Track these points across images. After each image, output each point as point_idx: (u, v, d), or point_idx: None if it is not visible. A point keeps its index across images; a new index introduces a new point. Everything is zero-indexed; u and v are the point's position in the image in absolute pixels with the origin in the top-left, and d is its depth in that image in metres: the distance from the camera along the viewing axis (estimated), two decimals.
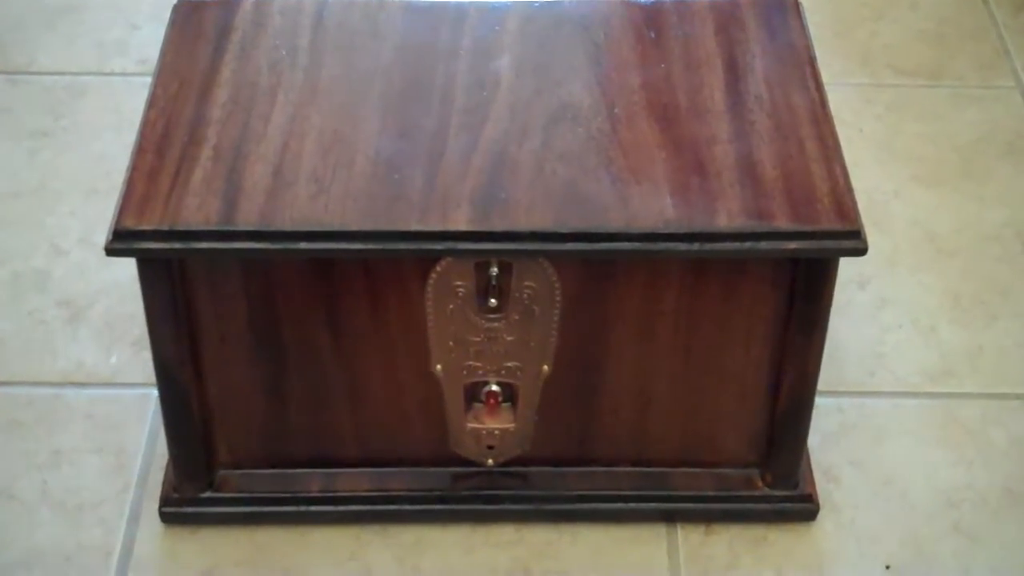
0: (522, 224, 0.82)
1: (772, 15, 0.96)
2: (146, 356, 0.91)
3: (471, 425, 0.92)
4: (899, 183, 1.22)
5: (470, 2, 0.97)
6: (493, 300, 0.86)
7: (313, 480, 0.95)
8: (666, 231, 0.82)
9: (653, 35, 0.95)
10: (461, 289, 0.85)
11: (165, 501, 0.96)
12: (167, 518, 0.96)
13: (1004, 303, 1.13)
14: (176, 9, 0.96)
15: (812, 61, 0.93)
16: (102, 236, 0.83)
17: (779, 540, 0.96)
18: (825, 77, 0.93)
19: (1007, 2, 1.41)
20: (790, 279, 0.86)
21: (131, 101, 1.25)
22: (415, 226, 0.82)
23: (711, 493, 0.96)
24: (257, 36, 0.93)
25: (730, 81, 0.91)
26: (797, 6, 0.97)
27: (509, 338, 0.88)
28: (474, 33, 0.94)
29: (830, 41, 1.35)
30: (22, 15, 1.38)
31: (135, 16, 1.38)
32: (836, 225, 0.82)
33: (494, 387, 0.91)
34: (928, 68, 1.34)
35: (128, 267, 0.85)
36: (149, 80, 0.91)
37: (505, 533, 0.96)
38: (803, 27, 0.95)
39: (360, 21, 0.95)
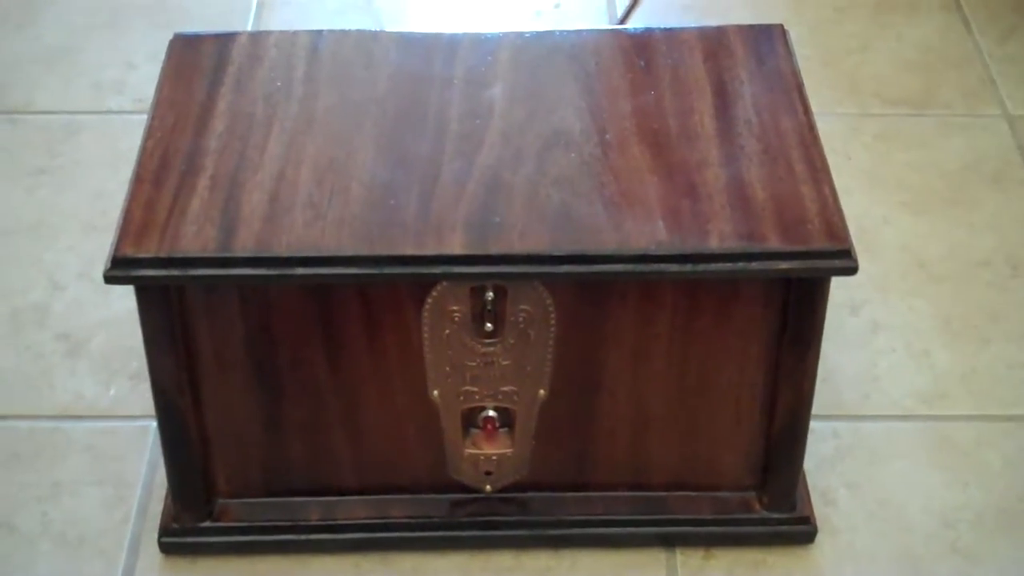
0: (516, 247, 0.83)
1: (760, 42, 0.97)
2: (145, 388, 0.92)
3: (469, 451, 0.93)
4: (888, 210, 1.23)
5: (463, 33, 0.98)
6: (489, 324, 0.86)
7: (312, 508, 0.95)
8: (659, 253, 0.83)
9: (643, 63, 0.96)
10: (457, 314, 0.86)
11: (165, 531, 0.96)
12: (167, 548, 0.96)
13: (995, 327, 1.13)
14: (172, 43, 0.97)
15: (800, 86, 0.94)
16: (100, 271, 0.84)
17: (778, 563, 0.96)
18: (814, 107, 0.94)
19: (992, 31, 1.43)
20: (783, 299, 0.87)
21: (127, 139, 1.26)
22: (410, 250, 0.83)
23: (709, 517, 0.96)
24: (253, 68, 0.95)
25: (719, 106, 0.92)
26: (784, 33, 0.99)
27: (505, 362, 0.88)
28: (467, 63, 0.95)
29: (818, 71, 1.37)
30: (20, 56, 1.39)
31: (132, 56, 1.39)
32: (827, 244, 0.83)
33: (491, 413, 0.91)
34: (915, 97, 1.35)
35: (126, 301, 0.86)
36: (145, 118, 0.92)
37: (504, 559, 0.96)
38: (790, 53, 0.97)
39: (354, 52, 0.96)
